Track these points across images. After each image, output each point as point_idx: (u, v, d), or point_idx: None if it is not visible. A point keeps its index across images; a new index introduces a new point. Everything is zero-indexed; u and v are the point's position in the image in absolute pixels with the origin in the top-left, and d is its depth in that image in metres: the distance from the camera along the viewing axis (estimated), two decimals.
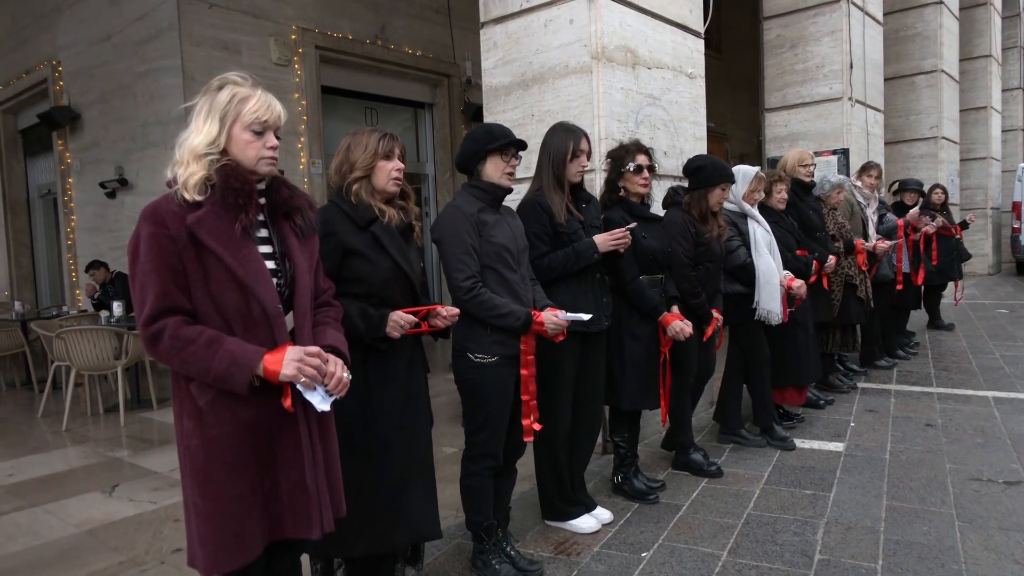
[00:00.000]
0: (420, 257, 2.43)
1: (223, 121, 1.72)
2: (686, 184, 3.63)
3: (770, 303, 3.84)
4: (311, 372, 1.71)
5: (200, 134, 1.71)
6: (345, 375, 1.79)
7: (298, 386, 1.71)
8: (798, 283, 3.98)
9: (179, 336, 1.63)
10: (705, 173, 3.51)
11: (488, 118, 4.32)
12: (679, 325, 3.21)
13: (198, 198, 1.67)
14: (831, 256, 4.68)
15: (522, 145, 2.69)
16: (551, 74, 4.05)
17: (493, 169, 2.64)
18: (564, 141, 2.94)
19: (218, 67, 7.24)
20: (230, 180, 1.69)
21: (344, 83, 8.62)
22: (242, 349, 1.66)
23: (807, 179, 4.79)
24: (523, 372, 2.61)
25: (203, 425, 1.69)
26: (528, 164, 3.42)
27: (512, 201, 2.96)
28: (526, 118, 4.17)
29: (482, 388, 2.59)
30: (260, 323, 1.71)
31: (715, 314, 3.55)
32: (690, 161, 3.62)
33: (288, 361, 1.69)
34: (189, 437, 1.71)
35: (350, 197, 2.26)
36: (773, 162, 6.73)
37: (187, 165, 1.69)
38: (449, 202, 2.70)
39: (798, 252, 4.35)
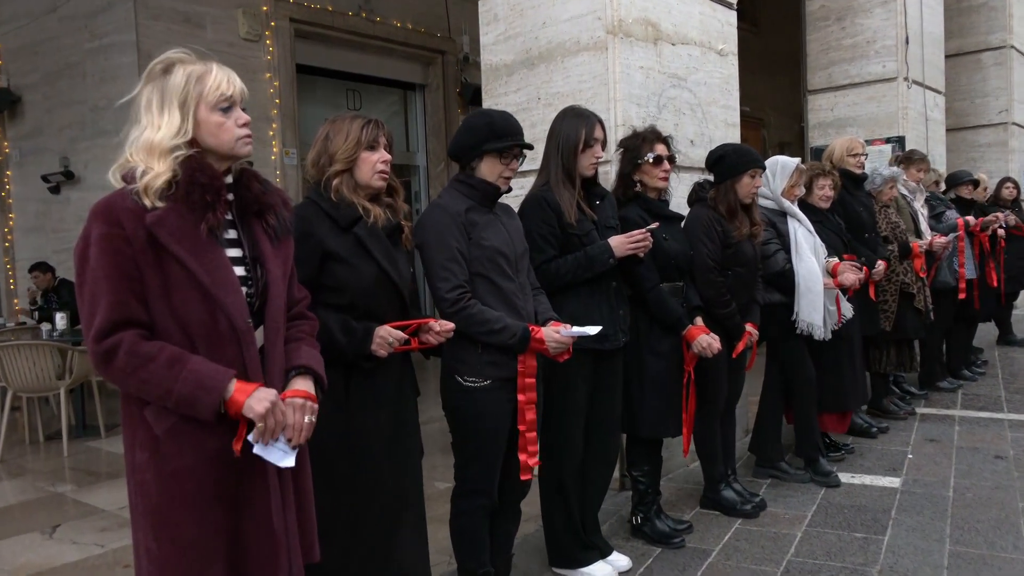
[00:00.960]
0: (410, 262, 2.43)
1: (184, 107, 1.72)
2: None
3: (811, 314, 3.83)
4: (272, 424, 1.70)
5: (158, 128, 1.70)
6: (307, 419, 1.78)
7: (251, 437, 1.70)
8: (844, 268, 3.95)
9: (137, 353, 1.62)
10: (728, 161, 3.52)
11: (487, 102, 4.33)
12: (706, 339, 3.20)
13: (160, 204, 1.66)
14: (879, 261, 4.67)
15: (528, 147, 2.69)
16: (560, 51, 4.06)
17: (489, 170, 2.64)
18: (575, 128, 2.94)
19: (179, 43, 7.23)
20: (195, 174, 1.69)
21: (323, 61, 8.66)
22: (210, 370, 1.65)
23: (857, 171, 4.78)
24: (520, 398, 2.60)
25: (160, 457, 1.68)
26: (534, 154, 3.42)
27: (515, 198, 2.96)
28: (531, 101, 4.18)
29: (473, 415, 2.58)
30: (227, 339, 1.71)
31: (748, 328, 3.54)
32: (710, 153, 3.65)
33: (260, 397, 1.68)
34: (143, 470, 1.70)
35: (330, 193, 2.27)
36: (818, 152, 6.73)
37: (149, 166, 1.67)
38: (433, 200, 2.69)
39: (846, 257, 4.34)
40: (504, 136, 2.62)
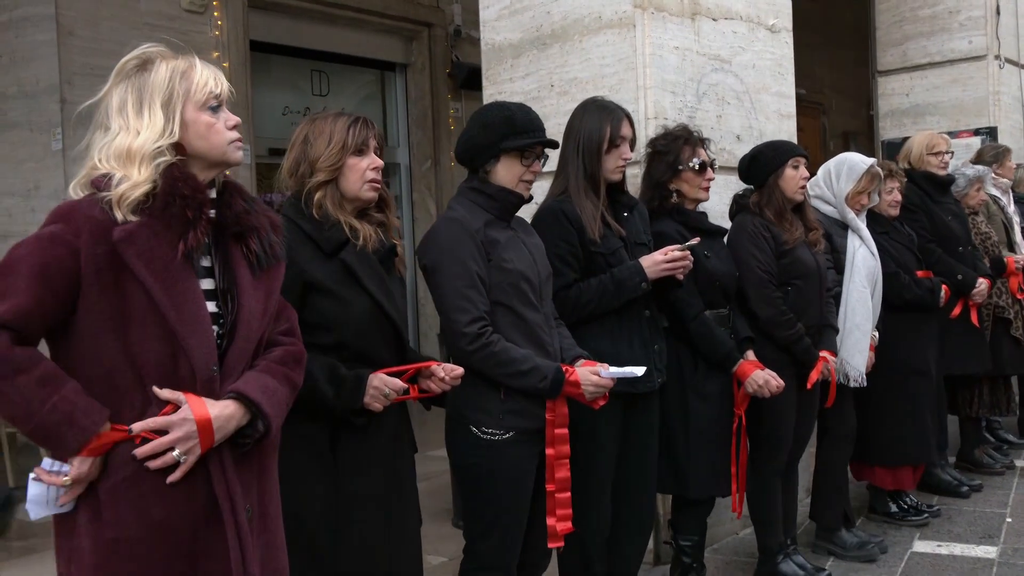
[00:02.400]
0: (403, 291, 2.52)
1: (169, 107, 1.79)
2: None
3: (855, 355, 3.86)
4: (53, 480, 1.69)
5: (136, 133, 1.76)
6: (176, 453, 1.74)
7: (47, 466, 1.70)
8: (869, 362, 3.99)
9: (7, 359, 1.63)
10: (763, 158, 3.65)
11: (489, 89, 4.42)
12: (762, 376, 3.27)
13: (132, 218, 1.72)
14: (981, 279, 4.72)
15: (552, 145, 2.78)
16: (578, 28, 4.14)
17: (507, 173, 2.71)
18: (598, 124, 3.03)
19: (106, 18, 7.34)
20: (177, 184, 1.75)
21: (282, 37, 8.73)
22: (87, 403, 1.68)
23: (941, 172, 4.85)
24: (549, 452, 2.65)
25: (100, 522, 1.72)
26: (550, 155, 3.49)
27: (525, 210, 3.03)
28: (542, 89, 4.25)
29: (492, 476, 2.63)
30: (185, 388, 1.76)
31: (823, 355, 3.60)
32: (741, 161, 3.77)
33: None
34: (80, 535, 1.73)
35: (311, 209, 2.34)
36: (892, 147, 6.79)
37: (127, 173, 1.73)
38: (445, 213, 2.77)
39: (919, 274, 4.41)
40: (525, 132, 2.69)
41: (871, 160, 4.05)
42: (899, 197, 4.38)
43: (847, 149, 11.16)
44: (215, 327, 1.82)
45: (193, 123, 1.82)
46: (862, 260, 3.95)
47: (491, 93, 4.41)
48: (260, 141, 8.07)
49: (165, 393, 1.74)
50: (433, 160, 9.53)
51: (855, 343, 3.87)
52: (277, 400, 1.87)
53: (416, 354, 2.53)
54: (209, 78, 1.84)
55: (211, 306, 1.83)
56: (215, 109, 1.85)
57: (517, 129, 2.69)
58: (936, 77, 7.12)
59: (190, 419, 1.73)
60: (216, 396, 1.79)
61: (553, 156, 3.15)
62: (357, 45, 9.32)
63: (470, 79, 9.27)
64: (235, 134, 1.87)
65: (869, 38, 7.61)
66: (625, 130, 3.07)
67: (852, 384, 3.88)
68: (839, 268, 3.93)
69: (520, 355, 2.58)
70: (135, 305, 1.71)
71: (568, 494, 2.69)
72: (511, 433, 2.62)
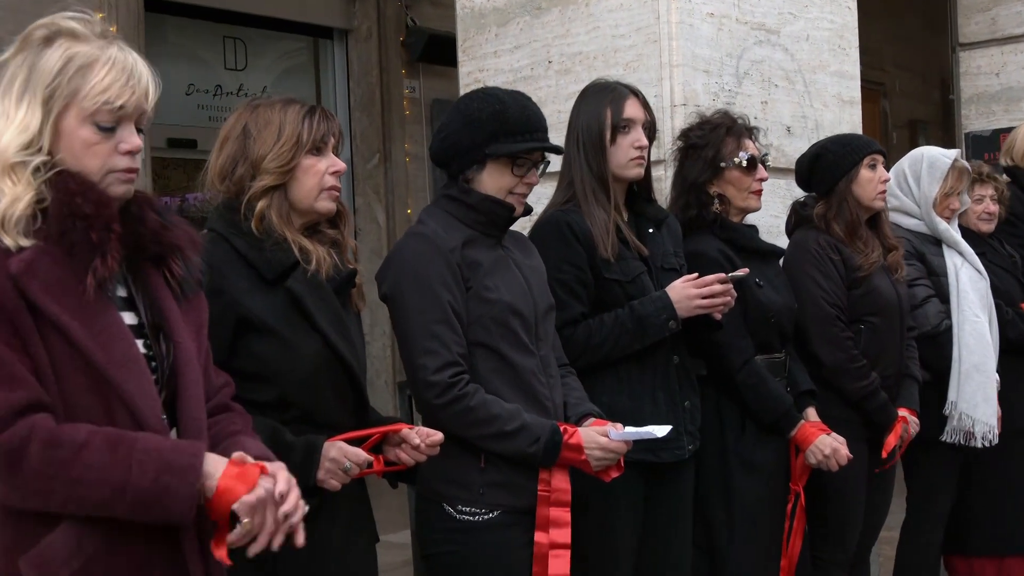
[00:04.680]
0: (361, 331, 2.52)
1: (49, 104, 1.77)
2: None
3: (979, 407, 3.87)
4: (263, 523, 1.74)
5: (9, 126, 1.75)
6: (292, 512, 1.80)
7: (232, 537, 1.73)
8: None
9: (58, 442, 1.65)
10: (830, 156, 3.66)
11: (467, 66, 4.40)
12: (829, 443, 3.26)
13: (24, 243, 1.70)
14: None
15: (555, 150, 2.81)
16: None
17: (493, 184, 2.73)
18: (596, 109, 3.07)
19: None
20: (75, 200, 1.74)
21: None
22: (172, 446, 1.72)
23: None
24: (540, 539, 2.64)
25: None
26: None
27: (523, 222, 3.02)
28: (537, 66, 4.24)
29: (472, 569, 2.63)
30: None
31: (903, 413, 3.61)
32: (799, 161, 3.79)
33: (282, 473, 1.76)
34: None
35: (251, 223, 2.33)
36: (978, 142, 6.84)
37: (1, 183, 1.72)
38: (412, 227, 2.77)
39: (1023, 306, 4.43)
40: (520, 133, 2.69)
41: (954, 152, 4.08)
42: (992, 208, 4.38)
43: (914, 142, 11.43)
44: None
45: (69, 135, 1.79)
46: (968, 281, 3.98)
47: (469, 71, 4.39)
48: (157, 129, 8.00)
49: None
50: (382, 155, 9.48)
51: (977, 388, 3.87)
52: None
53: (378, 415, 2.53)
54: (112, 82, 1.78)
55: (139, 345, 1.83)
56: (107, 129, 1.79)
57: (509, 128, 2.70)
58: None
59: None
60: None
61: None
62: (284, 5, 9.30)
63: (430, 50, 9.25)
64: (126, 162, 1.82)
65: (947, 1, 7.67)
66: (631, 110, 3.09)
67: (980, 444, 3.87)
68: (943, 296, 3.95)
69: (505, 411, 2.58)
70: (52, 353, 1.72)
71: None
72: (495, 512, 2.62)
